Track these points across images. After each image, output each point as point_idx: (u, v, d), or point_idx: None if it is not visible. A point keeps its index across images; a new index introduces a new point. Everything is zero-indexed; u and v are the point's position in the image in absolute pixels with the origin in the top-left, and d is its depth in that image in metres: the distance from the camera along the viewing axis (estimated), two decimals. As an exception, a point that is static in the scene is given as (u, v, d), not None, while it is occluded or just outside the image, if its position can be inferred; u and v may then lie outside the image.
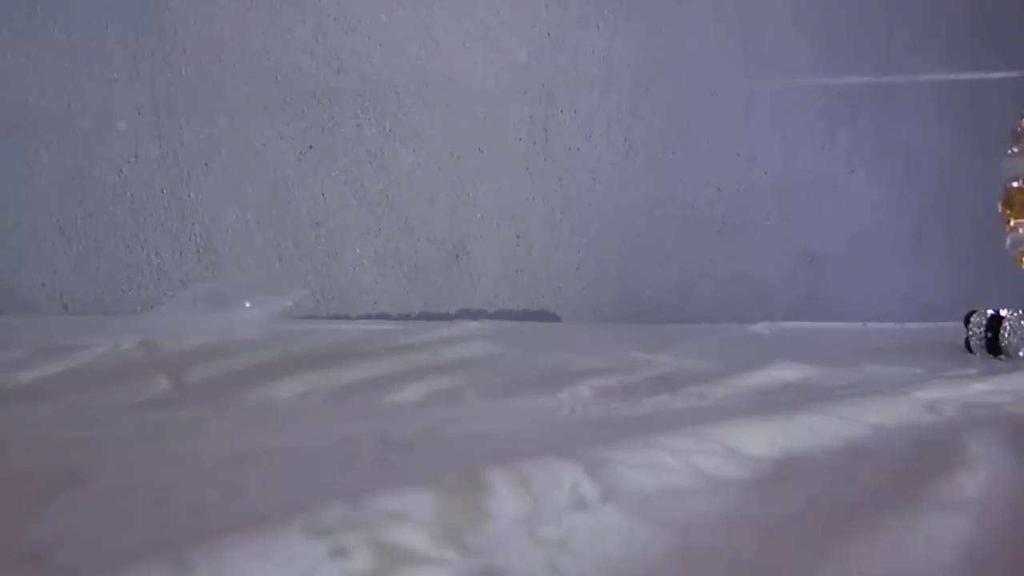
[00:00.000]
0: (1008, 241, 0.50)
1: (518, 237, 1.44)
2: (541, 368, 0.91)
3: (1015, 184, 0.49)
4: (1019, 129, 0.48)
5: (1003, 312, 1.06)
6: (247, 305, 1.05)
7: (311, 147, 1.30)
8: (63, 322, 1.18)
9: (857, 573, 0.40)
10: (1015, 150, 0.48)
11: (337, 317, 1.34)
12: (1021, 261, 0.48)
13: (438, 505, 0.39)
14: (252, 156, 1.27)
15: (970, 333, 1.09)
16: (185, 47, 1.21)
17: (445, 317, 1.38)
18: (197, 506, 0.41)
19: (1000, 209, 0.50)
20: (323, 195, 1.31)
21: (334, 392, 0.77)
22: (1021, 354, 1.06)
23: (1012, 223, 0.49)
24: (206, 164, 1.25)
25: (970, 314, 1.10)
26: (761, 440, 0.55)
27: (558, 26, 1.42)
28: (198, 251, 1.26)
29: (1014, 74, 1.70)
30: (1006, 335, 1.06)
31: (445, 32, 1.35)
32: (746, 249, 1.58)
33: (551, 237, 1.46)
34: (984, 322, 1.08)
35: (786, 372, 0.91)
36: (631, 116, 1.49)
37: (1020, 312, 1.06)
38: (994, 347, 1.07)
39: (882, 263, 1.65)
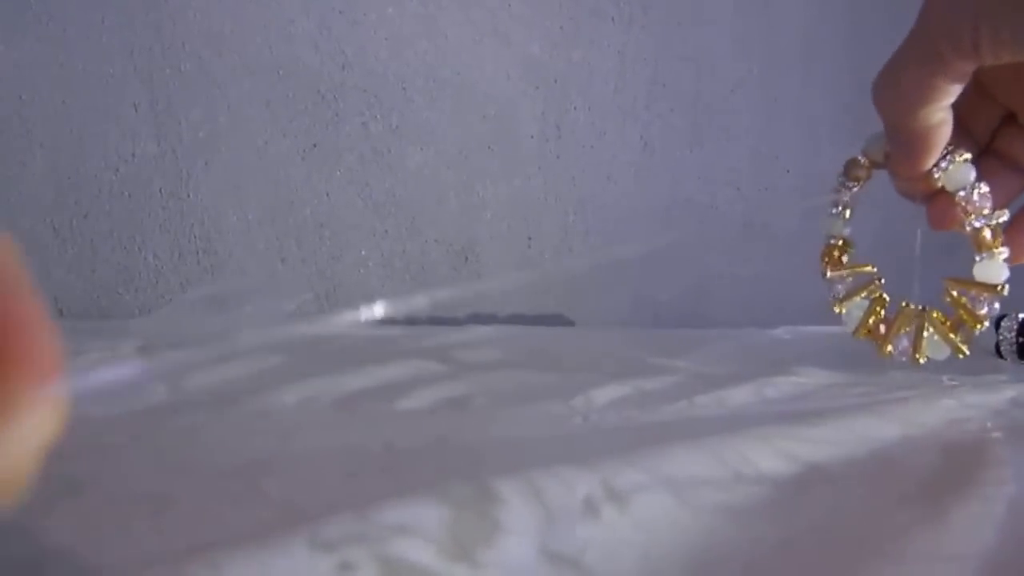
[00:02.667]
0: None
1: (530, 238, 1.42)
2: (554, 375, 0.90)
3: (831, 241, 0.53)
4: (837, 191, 0.52)
5: (1035, 317, 1.05)
6: (248, 308, 1.04)
7: (315, 145, 1.28)
8: (58, 326, 1.17)
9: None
10: (833, 212, 0.52)
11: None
12: (833, 307, 0.52)
13: (447, 518, 0.38)
14: (254, 154, 1.25)
15: (1000, 338, 1.08)
16: (184, 41, 1.20)
17: (454, 321, 1.37)
18: (197, 517, 0.40)
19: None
20: (327, 195, 1.30)
21: (339, 399, 0.76)
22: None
23: (828, 275, 0.53)
24: (206, 163, 1.23)
25: (1000, 318, 1.08)
26: (783, 449, 0.54)
27: (571, 19, 1.40)
28: (198, 253, 1.24)
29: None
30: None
31: (454, 26, 1.33)
32: (767, 251, 1.57)
33: (564, 238, 1.44)
34: (1015, 327, 1.06)
35: (808, 378, 0.89)
36: (647, 112, 1.47)
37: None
38: (1026, 353, 1.06)
39: (909, 264, 1.64)
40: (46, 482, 0.42)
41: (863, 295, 0.52)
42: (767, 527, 0.44)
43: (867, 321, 0.52)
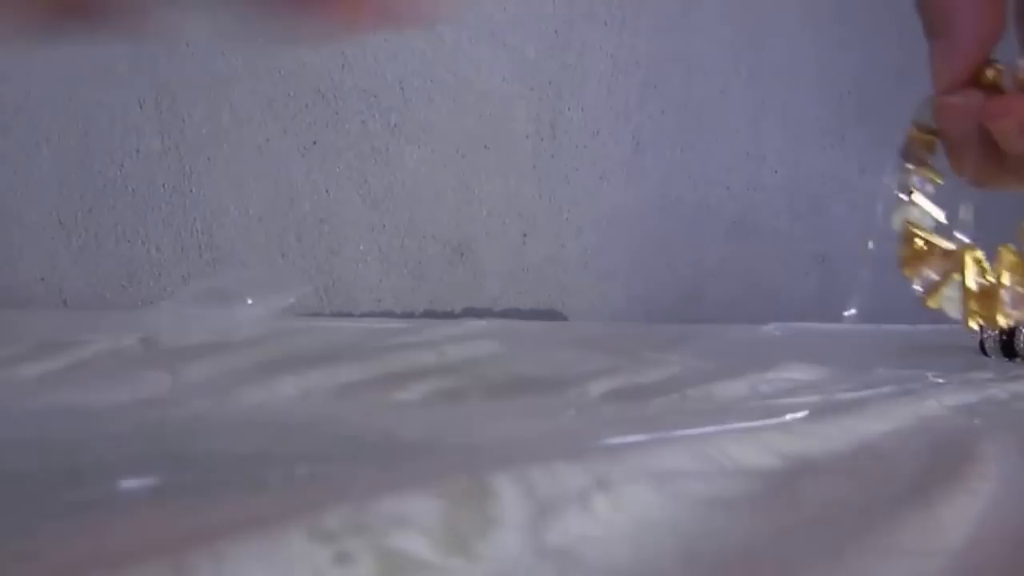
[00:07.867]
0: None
1: (524, 235, 1.43)
2: (547, 368, 0.90)
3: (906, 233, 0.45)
4: (902, 178, 0.44)
5: (1019, 314, 1.05)
6: (249, 302, 1.04)
7: (315, 143, 1.29)
8: (62, 317, 1.17)
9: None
10: (903, 198, 0.44)
11: (340, 314, 1.33)
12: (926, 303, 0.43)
13: (443, 510, 0.38)
14: (255, 151, 1.26)
15: (985, 335, 1.08)
16: (188, 41, 1.20)
17: (450, 315, 1.38)
18: (198, 506, 0.39)
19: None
20: (327, 191, 1.30)
21: (338, 390, 0.76)
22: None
23: (905, 273, 0.45)
24: (208, 159, 1.24)
25: (984, 317, 1.08)
26: (772, 443, 0.54)
27: (565, 23, 1.41)
28: (200, 247, 1.25)
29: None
30: (1022, 338, 1.05)
31: (451, 28, 1.34)
32: (756, 249, 1.58)
33: (558, 235, 1.45)
34: (999, 324, 1.06)
35: (797, 373, 0.90)
36: (639, 114, 1.48)
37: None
38: (1009, 350, 1.06)
39: (894, 263, 1.64)
40: (48, 470, 0.43)
41: (953, 279, 0.43)
42: (757, 520, 0.44)
43: (970, 304, 0.43)
